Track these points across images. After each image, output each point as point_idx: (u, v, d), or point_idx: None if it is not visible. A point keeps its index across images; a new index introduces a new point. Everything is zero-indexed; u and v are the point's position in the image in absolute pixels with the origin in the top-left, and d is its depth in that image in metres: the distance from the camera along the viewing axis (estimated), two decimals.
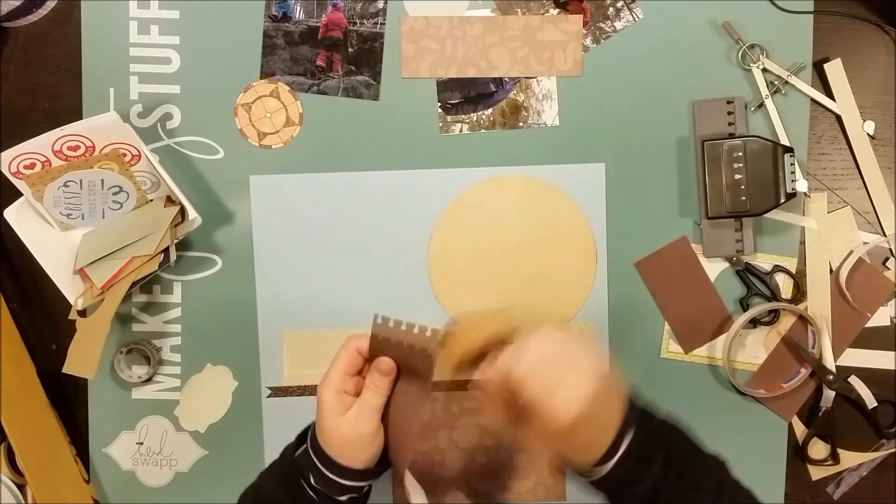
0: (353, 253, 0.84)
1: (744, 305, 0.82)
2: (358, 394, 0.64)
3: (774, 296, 0.82)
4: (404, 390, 0.64)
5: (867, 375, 0.82)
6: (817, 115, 0.83)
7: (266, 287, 0.84)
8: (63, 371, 0.75)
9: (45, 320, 0.85)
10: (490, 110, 0.83)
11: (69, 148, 0.78)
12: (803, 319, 0.82)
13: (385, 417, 0.64)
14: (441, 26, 0.82)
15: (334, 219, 0.84)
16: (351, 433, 0.63)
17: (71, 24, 0.84)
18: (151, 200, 0.83)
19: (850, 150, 0.82)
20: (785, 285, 0.83)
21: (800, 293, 0.82)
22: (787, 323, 0.83)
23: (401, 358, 0.63)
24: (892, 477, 0.84)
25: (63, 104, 0.84)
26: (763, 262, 0.83)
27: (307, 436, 0.67)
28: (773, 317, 0.82)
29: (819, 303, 0.82)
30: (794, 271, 0.82)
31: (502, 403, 0.60)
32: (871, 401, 0.81)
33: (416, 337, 0.61)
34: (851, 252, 0.82)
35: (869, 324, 0.83)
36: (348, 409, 0.63)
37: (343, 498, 0.64)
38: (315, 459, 0.64)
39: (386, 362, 0.64)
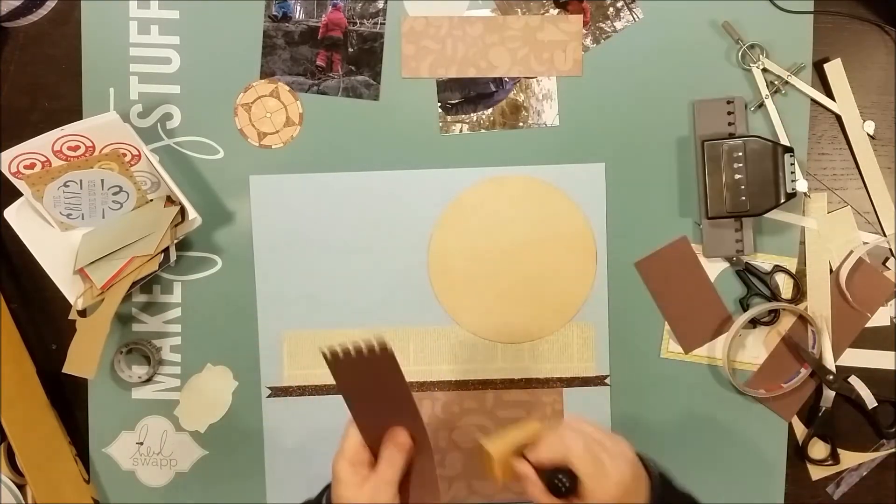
0: (353, 253, 0.84)
1: (744, 305, 0.82)
2: (373, 464, 0.63)
3: (774, 296, 0.82)
4: (421, 463, 0.64)
5: (867, 375, 0.83)
6: (817, 115, 0.83)
7: (266, 287, 0.84)
8: (63, 371, 0.75)
9: (45, 320, 0.85)
10: (490, 110, 0.83)
11: (69, 148, 0.78)
12: (803, 320, 0.82)
13: (404, 490, 0.63)
14: (441, 26, 0.82)
15: (334, 219, 0.84)
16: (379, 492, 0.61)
17: (71, 24, 0.84)
18: (151, 200, 0.83)
19: (850, 150, 0.82)
20: (785, 285, 0.83)
21: (800, 293, 0.82)
22: (786, 323, 0.83)
23: (370, 371, 0.62)
24: (892, 477, 0.84)
25: (63, 104, 0.84)
26: (763, 261, 0.83)
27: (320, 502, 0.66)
28: (773, 317, 0.82)
29: (819, 303, 0.82)
30: (794, 271, 0.82)
31: (546, 490, 0.62)
32: (871, 401, 0.81)
33: (367, 346, 0.60)
34: (851, 252, 0.82)
35: (869, 324, 0.83)
36: (365, 481, 0.62)
37: None
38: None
39: (401, 434, 0.63)
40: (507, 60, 0.82)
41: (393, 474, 0.62)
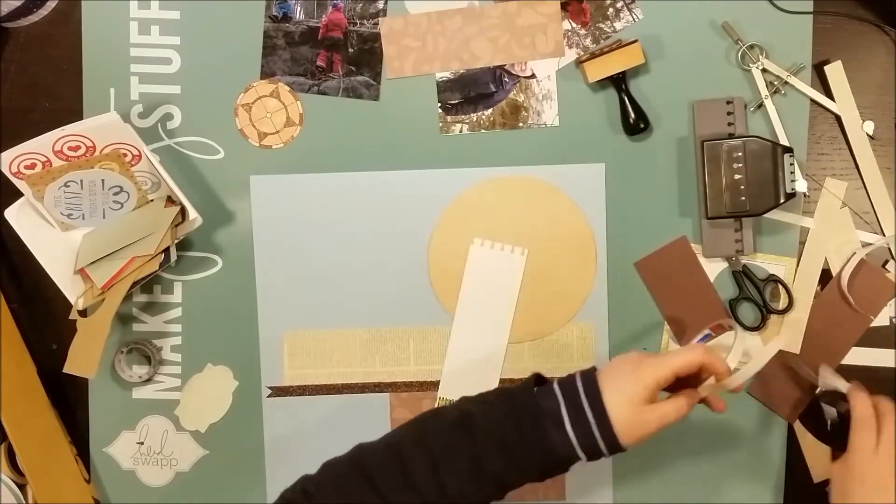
0: (354, 253, 0.84)
1: (733, 308, 0.82)
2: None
3: (765, 303, 0.82)
4: None
5: (867, 375, 0.82)
6: (817, 116, 0.83)
7: (266, 287, 0.84)
8: (64, 371, 0.75)
9: (46, 320, 0.85)
10: (490, 110, 0.83)
11: (70, 148, 0.78)
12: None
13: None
14: (420, 24, 0.82)
15: (334, 219, 0.84)
16: (656, 416, 0.63)
17: (71, 24, 0.84)
18: (152, 200, 0.83)
19: (850, 150, 0.82)
20: (781, 291, 0.83)
21: (791, 303, 0.82)
22: (773, 330, 0.83)
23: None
24: None
25: (63, 104, 0.84)
26: (763, 262, 0.83)
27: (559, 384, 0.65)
28: (761, 323, 0.82)
29: (803, 305, 0.82)
30: (793, 274, 0.82)
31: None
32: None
33: None
34: (854, 254, 0.82)
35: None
36: (653, 402, 0.64)
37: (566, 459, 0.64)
38: (591, 416, 0.62)
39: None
40: (489, 50, 0.82)
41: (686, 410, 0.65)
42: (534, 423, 0.63)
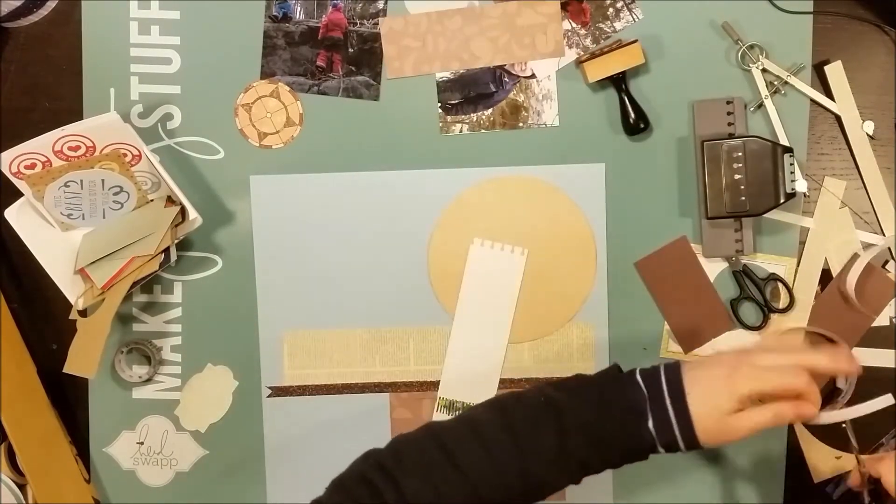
0: (354, 253, 0.84)
1: (734, 307, 0.82)
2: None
3: (766, 302, 0.82)
4: None
5: (867, 375, 0.82)
6: (817, 116, 0.83)
7: (266, 287, 0.84)
8: (64, 371, 0.75)
9: (46, 320, 0.85)
10: (490, 110, 0.83)
11: (70, 148, 0.78)
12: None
13: None
14: (420, 24, 0.82)
15: (334, 219, 0.84)
16: (744, 427, 0.62)
17: (71, 24, 0.84)
18: (152, 200, 0.83)
19: (850, 150, 0.82)
20: (782, 290, 0.83)
21: (793, 302, 0.82)
22: (773, 329, 0.83)
23: None
24: None
25: (63, 104, 0.84)
26: (763, 262, 0.83)
27: (642, 377, 0.64)
28: (763, 322, 0.82)
29: (804, 305, 0.82)
30: (793, 273, 0.82)
31: None
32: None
33: None
34: (855, 254, 0.82)
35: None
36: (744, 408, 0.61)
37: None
38: (673, 416, 0.61)
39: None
40: (489, 50, 0.83)
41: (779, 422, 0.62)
42: (621, 414, 0.62)
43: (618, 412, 0.62)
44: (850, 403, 0.82)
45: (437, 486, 0.61)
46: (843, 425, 0.71)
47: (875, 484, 0.67)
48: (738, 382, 0.61)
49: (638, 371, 0.64)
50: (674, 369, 0.63)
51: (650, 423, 0.61)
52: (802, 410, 0.63)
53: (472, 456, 0.62)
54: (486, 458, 0.61)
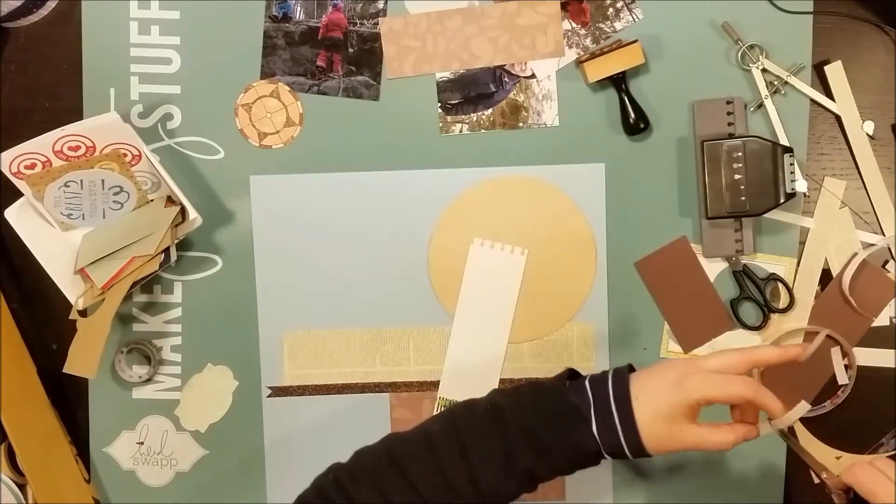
0: (354, 253, 0.84)
1: (734, 308, 0.82)
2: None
3: (766, 302, 0.82)
4: None
5: (867, 375, 0.83)
6: (817, 116, 0.83)
7: (266, 287, 0.84)
8: (64, 371, 0.75)
9: (46, 320, 0.85)
10: (490, 110, 0.83)
11: (70, 148, 0.78)
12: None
13: None
14: (420, 24, 0.82)
15: (334, 219, 0.84)
16: (691, 439, 0.61)
17: (71, 24, 0.84)
18: (152, 200, 0.83)
19: (850, 150, 0.82)
20: (782, 290, 0.83)
21: (793, 302, 0.82)
22: (774, 329, 0.83)
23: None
24: None
25: (63, 104, 0.84)
26: (763, 262, 0.83)
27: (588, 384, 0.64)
28: (763, 322, 0.82)
29: (803, 307, 0.83)
30: (793, 274, 0.82)
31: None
32: None
33: None
34: (855, 254, 0.82)
35: None
36: (692, 418, 0.61)
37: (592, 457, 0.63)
38: (618, 421, 0.61)
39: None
40: (489, 50, 0.83)
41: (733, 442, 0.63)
42: (562, 419, 0.62)
43: (558, 418, 0.62)
44: (848, 402, 0.82)
45: (389, 499, 0.62)
46: (789, 442, 0.70)
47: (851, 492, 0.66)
48: (687, 389, 0.61)
49: (588, 377, 0.64)
50: (622, 375, 0.63)
51: (594, 429, 0.61)
52: (748, 436, 0.63)
53: (423, 468, 0.62)
54: (436, 470, 0.62)
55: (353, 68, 0.83)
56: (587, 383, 0.63)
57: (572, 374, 0.67)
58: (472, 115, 0.83)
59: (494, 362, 0.84)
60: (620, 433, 0.61)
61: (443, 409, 0.83)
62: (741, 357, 0.62)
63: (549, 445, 0.62)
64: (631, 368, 0.66)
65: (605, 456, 0.62)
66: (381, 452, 0.65)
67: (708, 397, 0.60)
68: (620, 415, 0.61)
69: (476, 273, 0.84)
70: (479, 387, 0.84)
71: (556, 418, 0.62)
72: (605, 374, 0.64)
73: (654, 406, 0.61)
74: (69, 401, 0.86)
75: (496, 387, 0.83)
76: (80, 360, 0.75)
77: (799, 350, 0.64)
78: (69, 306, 0.78)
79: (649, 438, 0.61)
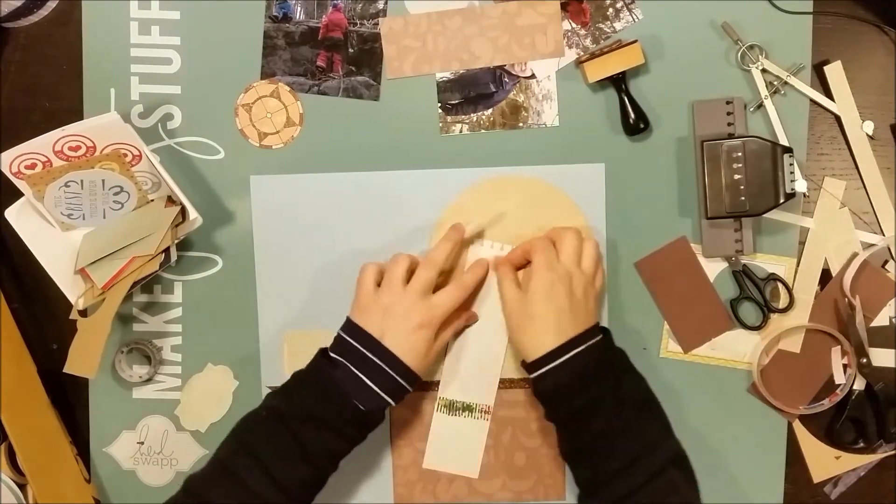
0: (354, 253, 0.84)
1: (734, 307, 0.82)
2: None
3: (766, 302, 0.82)
4: None
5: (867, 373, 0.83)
6: (816, 116, 0.83)
7: (266, 287, 0.84)
8: (64, 371, 0.75)
9: (46, 320, 0.85)
10: (490, 110, 0.83)
11: (70, 148, 0.78)
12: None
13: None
14: (420, 24, 0.82)
15: (334, 219, 0.84)
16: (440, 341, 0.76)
17: (72, 24, 0.84)
18: (152, 200, 0.83)
19: (849, 150, 0.82)
20: (782, 290, 0.83)
21: (792, 302, 0.82)
22: (774, 328, 0.83)
23: None
24: (891, 477, 0.84)
25: (64, 104, 0.84)
26: (763, 262, 0.83)
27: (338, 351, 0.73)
28: (763, 322, 0.82)
29: (803, 307, 0.83)
30: (793, 274, 0.82)
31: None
32: None
33: None
34: (855, 255, 0.82)
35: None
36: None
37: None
38: (378, 360, 0.71)
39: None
40: (489, 50, 0.83)
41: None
42: (333, 392, 0.68)
43: (330, 390, 0.68)
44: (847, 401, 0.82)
45: None
46: None
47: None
48: (431, 307, 0.73)
49: (334, 350, 0.73)
50: (352, 326, 0.73)
51: (367, 381, 0.69)
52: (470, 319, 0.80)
53: (228, 491, 0.66)
54: (238, 489, 0.66)
55: (354, 68, 0.83)
56: (334, 353, 0.72)
57: (325, 353, 0.73)
58: (472, 115, 0.83)
59: (495, 362, 0.84)
60: (388, 369, 0.70)
61: (443, 408, 0.84)
62: (430, 262, 0.76)
63: (333, 421, 0.68)
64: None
65: (389, 401, 0.71)
66: (180, 493, 0.69)
67: (430, 277, 0.74)
68: (379, 356, 0.70)
69: None
70: (479, 386, 0.84)
71: (327, 395, 0.68)
72: (340, 336, 0.73)
73: (400, 334, 0.71)
74: (69, 401, 0.86)
75: (496, 387, 0.83)
76: (81, 359, 0.75)
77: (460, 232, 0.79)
78: (69, 306, 0.78)
79: (410, 358, 0.71)
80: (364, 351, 0.71)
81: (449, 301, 0.75)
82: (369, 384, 0.70)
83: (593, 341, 0.71)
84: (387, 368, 0.71)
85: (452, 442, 0.84)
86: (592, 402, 0.69)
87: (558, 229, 0.78)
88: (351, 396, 0.69)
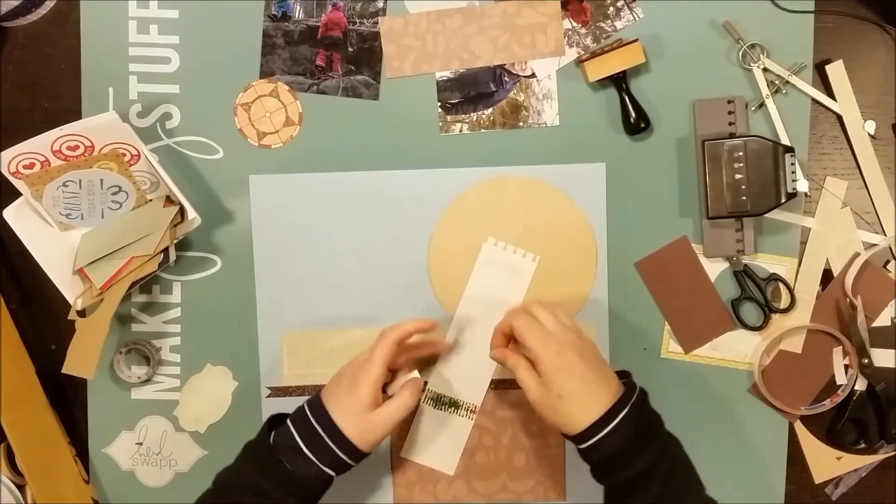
0: (354, 253, 0.84)
1: (735, 308, 0.82)
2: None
3: (767, 303, 0.82)
4: None
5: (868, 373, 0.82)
6: (818, 115, 0.82)
7: (266, 287, 0.84)
8: (62, 371, 0.75)
9: (45, 320, 0.85)
10: (490, 110, 0.83)
11: (68, 148, 0.78)
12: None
13: None
14: (420, 23, 0.82)
15: (334, 219, 0.84)
16: (385, 421, 0.71)
17: (70, 23, 0.83)
18: (151, 200, 0.83)
19: (851, 149, 0.82)
20: (783, 290, 0.83)
21: (794, 302, 0.82)
22: (775, 328, 0.83)
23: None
24: (891, 477, 0.84)
25: (62, 104, 0.84)
26: (764, 262, 0.82)
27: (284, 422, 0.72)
28: (764, 322, 0.82)
29: (806, 306, 0.82)
30: (794, 274, 0.82)
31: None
32: None
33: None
34: (856, 255, 0.81)
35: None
36: (378, 403, 0.71)
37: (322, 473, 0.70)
38: (325, 435, 0.69)
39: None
40: (489, 49, 0.82)
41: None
42: (273, 460, 0.69)
43: (269, 460, 0.69)
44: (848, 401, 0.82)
45: None
46: None
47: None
48: (359, 381, 0.70)
49: (289, 418, 0.72)
50: (314, 399, 0.72)
51: (306, 452, 0.68)
52: (416, 386, 0.74)
53: None
54: None
55: (353, 67, 0.83)
56: (288, 421, 0.71)
57: (276, 421, 0.73)
58: (472, 114, 0.83)
59: (487, 364, 0.83)
60: (330, 443, 0.69)
61: (430, 400, 0.84)
62: (386, 339, 0.73)
63: (271, 490, 0.68)
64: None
65: (330, 473, 0.69)
66: None
67: (376, 375, 0.71)
68: (324, 430, 0.69)
69: (485, 273, 0.83)
70: (470, 385, 0.84)
71: (266, 465, 0.69)
72: (300, 407, 0.72)
73: (347, 410, 0.70)
74: (68, 401, 0.86)
75: (485, 388, 0.84)
76: (79, 360, 0.75)
77: (424, 324, 0.76)
78: (68, 306, 0.78)
79: (355, 436, 0.69)
80: (315, 424, 0.70)
81: (392, 418, 0.72)
82: (309, 455, 0.69)
83: (633, 400, 0.68)
84: (330, 443, 0.69)
85: (434, 436, 0.84)
86: (646, 470, 0.66)
87: (517, 309, 0.76)
88: (289, 465, 0.69)
